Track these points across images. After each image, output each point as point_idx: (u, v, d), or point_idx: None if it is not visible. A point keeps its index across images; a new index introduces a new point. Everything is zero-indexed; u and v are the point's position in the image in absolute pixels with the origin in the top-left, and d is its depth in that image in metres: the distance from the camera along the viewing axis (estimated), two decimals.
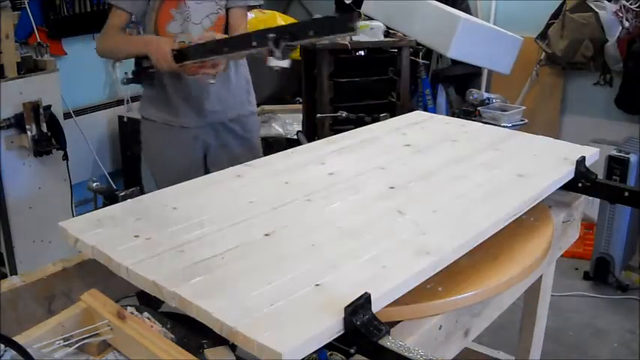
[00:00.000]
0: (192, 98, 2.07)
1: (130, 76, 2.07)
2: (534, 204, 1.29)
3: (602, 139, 3.69)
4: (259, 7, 4.60)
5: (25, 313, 1.13)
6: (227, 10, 2.05)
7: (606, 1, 3.54)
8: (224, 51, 1.74)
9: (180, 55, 1.83)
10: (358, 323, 0.85)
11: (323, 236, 1.10)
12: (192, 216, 1.18)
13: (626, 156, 3.03)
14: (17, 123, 2.68)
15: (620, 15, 3.51)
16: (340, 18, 1.40)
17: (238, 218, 1.18)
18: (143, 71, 1.99)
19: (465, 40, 3.38)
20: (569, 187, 1.46)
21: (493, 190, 1.21)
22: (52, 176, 2.90)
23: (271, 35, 1.49)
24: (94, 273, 1.18)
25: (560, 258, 1.58)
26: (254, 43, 1.59)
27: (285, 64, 1.52)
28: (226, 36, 1.91)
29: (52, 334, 0.97)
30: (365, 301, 0.87)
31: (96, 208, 1.31)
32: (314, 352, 0.84)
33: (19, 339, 0.91)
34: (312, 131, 3.37)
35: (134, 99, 3.77)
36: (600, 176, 1.48)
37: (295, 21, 4.24)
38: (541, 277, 1.61)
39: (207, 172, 2.13)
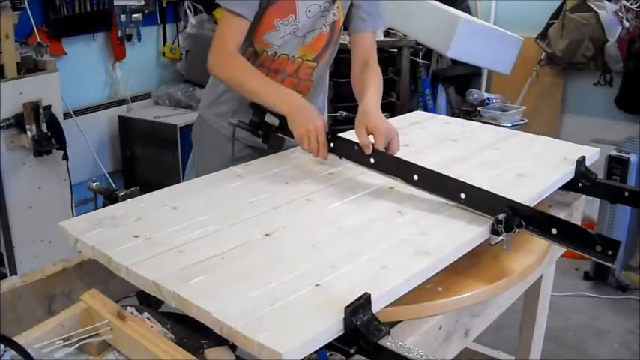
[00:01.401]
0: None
1: (241, 122, 1.65)
2: (534, 204, 1.29)
3: (602, 139, 3.69)
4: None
5: (25, 313, 1.13)
6: (350, 31, 1.82)
7: (606, 1, 3.54)
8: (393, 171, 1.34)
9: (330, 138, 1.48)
10: (358, 323, 0.85)
11: (323, 236, 1.10)
12: (192, 216, 1.18)
13: (626, 156, 3.03)
14: (17, 123, 2.68)
15: (620, 15, 3.51)
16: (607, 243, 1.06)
17: (238, 218, 1.18)
18: (269, 131, 1.59)
19: (465, 40, 3.38)
20: (569, 187, 1.46)
21: (493, 190, 1.21)
22: (52, 176, 2.90)
23: (502, 215, 1.13)
24: (94, 273, 1.18)
25: (560, 258, 1.58)
26: (463, 199, 1.22)
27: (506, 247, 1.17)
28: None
29: (52, 334, 0.97)
30: (365, 301, 0.87)
31: (96, 208, 1.31)
32: (314, 352, 0.84)
33: (19, 339, 0.91)
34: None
35: (134, 99, 3.77)
36: (600, 176, 1.48)
37: None
38: (541, 277, 1.61)
39: None
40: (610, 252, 1.05)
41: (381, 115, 1.58)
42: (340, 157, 1.43)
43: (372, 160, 1.36)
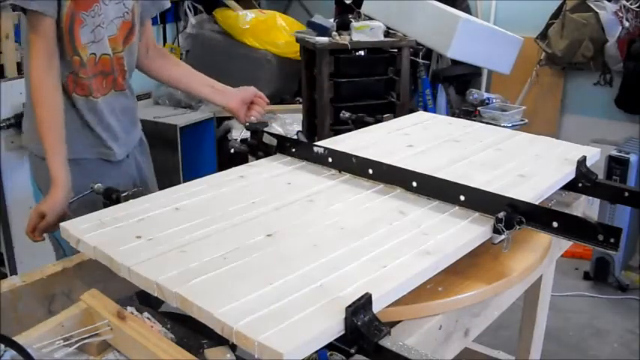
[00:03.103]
0: (119, 120, 1.76)
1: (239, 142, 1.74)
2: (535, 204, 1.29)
3: (602, 139, 3.69)
4: (259, 6, 4.61)
5: (25, 313, 1.13)
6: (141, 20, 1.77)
7: (606, 1, 3.54)
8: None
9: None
10: (359, 323, 0.85)
11: (324, 237, 1.10)
12: (194, 216, 1.18)
13: (626, 156, 3.03)
14: (17, 123, 2.68)
15: (620, 15, 3.51)
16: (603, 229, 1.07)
17: (240, 219, 1.18)
18: (268, 151, 1.59)
19: (465, 40, 3.38)
20: (569, 187, 1.46)
21: (494, 190, 1.21)
22: None
23: (502, 214, 1.13)
24: (94, 273, 1.18)
25: (560, 258, 1.58)
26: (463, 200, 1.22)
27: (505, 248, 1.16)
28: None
29: (52, 334, 0.97)
30: (366, 301, 0.87)
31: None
32: (314, 352, 0.84)
33: (19, 339, 0.91)
34: (312, 131, 3.37)
35: None
36: (600, 176, 1.48)
37: (295, 21, 4.25)
38: (541, 277, 1.61)
39: None
40: (612, 240, 1.06)
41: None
42: (340, 171, 1.43)
43: (370, 171, 1.37)
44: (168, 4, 1.92)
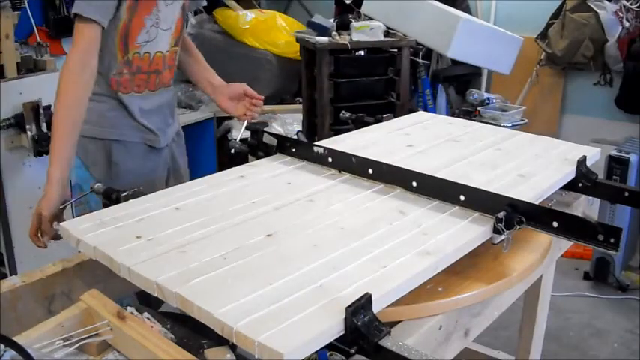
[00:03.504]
0: (161, 113, 1.87)
1: (239, 142, 1.73)
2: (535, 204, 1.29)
3: (602, 139, 3.69)
4: (259, 6, 4.61)
5: (25, 313, 1.13)
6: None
7: (606, 1, 3.54)
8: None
9: None
10: (359, 323, 0.85)
11: (324, 236, 1.10)
12: (194, 216, 1.18)
13: (626, 156, 3.03)
14: (17, 123, 2.68)
15: (620, 15, 3.51)
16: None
17: (240, 219, 1.18)
18: (269, 152, 1.60)
19: (465, 40, 3.38)
20: (569, 187, 1.46)
21: (494, 190, 1.21)
22: None
23: (502, 214, 1.12)
24: (94, 273, 1.18)
25: (560, 258, 1.58)
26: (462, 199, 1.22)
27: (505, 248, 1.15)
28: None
29: (52, 334, 0.97)
30: (366, 301, 0.87)
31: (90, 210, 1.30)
32: (314, 352, 0.84)
33: (19, 339, 0.91)
34: (312, 131, 3.38)
35: None
36: (600, 176, 1.48)
37: (295, 21, 4.25)
38: (541, 277, 1.61)
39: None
40: (612, 239, 1.06)
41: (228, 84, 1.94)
42: (340, 171, 1.43)
43: (370, 171, 1.37)
44: (204, 2, 2.05)
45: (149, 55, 1.74)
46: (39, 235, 1.53)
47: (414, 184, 1.30)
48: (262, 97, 1.91)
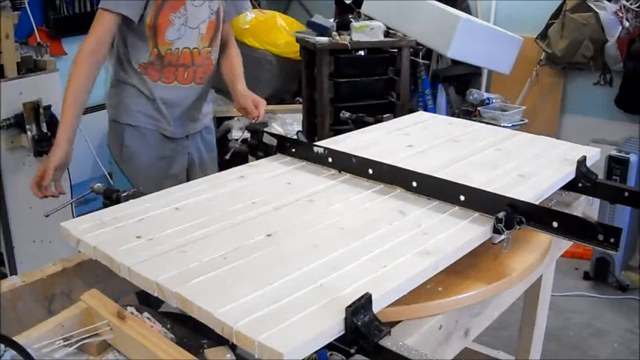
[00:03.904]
0: (184, 106, 2.01)
1: (239, 142, 1.87)
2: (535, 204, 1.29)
3: (602, 139, 3.69)
4: (259, 6, 4.61)
5: (25, 313, 1.13)
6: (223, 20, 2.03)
7: (606, 1, 3.54)
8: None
9: None
10: (359, 323, 0.85)
11: (325, 236, 1.10)
12: (194, 216, 1.18)
13: (626, 156, 3.03)
14: (17, 123, 2.68)
15: (620, 15, 3.51)
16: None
17: (240, 218, 1.18)
18: (269, 152, 1.60)
19: (465, 40, 3.38)
20: (569, 187, 1.46)
21: (494, 190, 1.21)
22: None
23: (502, 214, 1.12)
24: (94, 273, 1.18)
25: (560, 258, 1.58)
26: (463, 199, 1.22)
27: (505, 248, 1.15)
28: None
29: (52, 334, 0.97)
30: (366, 301, 0.87)
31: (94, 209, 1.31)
32: (314, 352, 0.84)
33: (19, 339, 0.91)
34: (312, 131, 3.37)
35: None
36: (600, 176, 1.48)
37: (295, 21, 4.25)
38: (541, 277, 1.61)
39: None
40: (612, 240, 1.06)
41: (250, 92, 2.06)
42: (340, 171, 1.43)
43: (370, 171, 1.37)
44: (248, 4, 2.19)
45: (178, 51, 1.89)
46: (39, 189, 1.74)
47: (414, 184, 1.30)
48: (257, 114, 2.02)
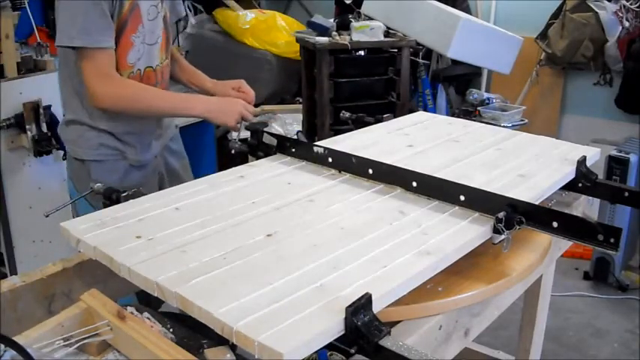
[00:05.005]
0: (148, 128, 1.86)
1: (239, 142, 1.74)
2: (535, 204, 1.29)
3: (602, 139, 3.69)
4: (259, 6, 4.61)
5: (25, 313, 1.13)
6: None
7: (606, 1, 3.54)
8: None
9: None
10: (359, 323, 0.85)
11: (325, 236, 1.10)
12: (194, 216, 1.18)
13: (626, 156, 3.03)
14: (17, 123, 2.68)
15: (620, 15, 3.51)
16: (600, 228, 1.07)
17: (240, 218, 1.18)
18: (268, 152, 1.59)
19: (465, 40, 3.38)
20: (569, 187, 1.46)
21: (494, 190, 1.21)
22: (52, 176, 2.90)
23: (502, 214, 1.12)
24: (94, 273, 1.18)
25: (560, 258, 1.58)
26: (461, 200, 1.21)
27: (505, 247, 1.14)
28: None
29: (52, 334, 0.97)
30: (366, 301, 0.87)
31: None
32: (314, 352, 0.84)
33: (19, 339, 0.91)
34: (312, 131, 3.38)
35: None
36: (600, 176, 1.48)
37: (295, 21, 4.25)
38: (541, 277, 1.61)
39: None
40: (612, 240, 1.06)
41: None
42: (340, 171, 1.43)
43: (370, 171, 1.37)
44: (183, 13, 2.06)
45: (140, 72, 1.75)
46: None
47: (414, 184, 1.30)
48: (253, 94, 1.93)
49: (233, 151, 1.75)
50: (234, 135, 1.75)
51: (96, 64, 1.62)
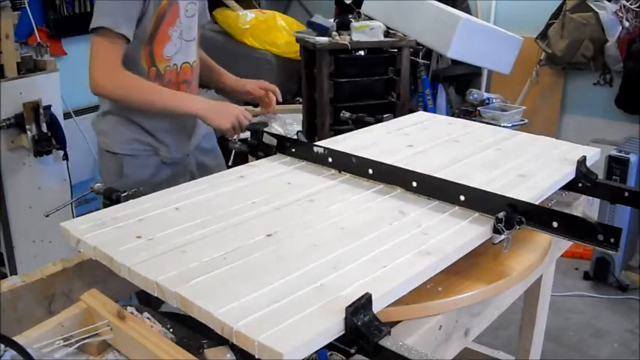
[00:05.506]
0: (182, 126, 1.90)
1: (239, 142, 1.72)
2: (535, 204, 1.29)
3: (602, 139, 3.69)
4: (259, 6, 4.61)
5: (25, 313, 1.13)
6: None
7: (606, 1, 3.54)
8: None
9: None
10: (359, 323, 0.85)
11: (325, 236, 1.10)
12: (195, 216, 1.18)
13: (626, 156, 3.03)
14: (17, 123, 2.68)
15: (620, 15, 3.51)
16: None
17: (240, 218, 1.18)
18: (269, 152, 1.58)
19: (465, 40, 3.38)
20: (569, 187, 1.46)
21: (494, 190, 1.21)
22: (52, 176, 2.90)
23: (502, 214, 1.12)
24: (94, 273, 1.18)
25: (560, 258, 1.58)
26: (462, 200, 1.21)
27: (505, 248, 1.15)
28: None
29: (52, 334, 0.97)
30: (366, 301, 0.87)
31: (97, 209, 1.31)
32: (314, 352, 0.84)
33: (19, 339, 0.91)
34: (312, 131, 3.37)
35: None
36: (600, 176, 1.48)
37: (295, 21, 4.25)
38: (541, 277, 1.61)
39: None
40: (612, 240, 1.06)
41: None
42: (340, 171, 1.43)
43: (370, 171, 1.37)
44: (208, 19, 2.06)
45: (177, 67, 1.80)
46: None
47: (414, 184, 1.30)
48: (278, 90, 1.98)
49: (233, 151, 1.75)
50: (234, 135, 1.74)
51: (106, 50, 1.63)
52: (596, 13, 3.54)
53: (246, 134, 1.70)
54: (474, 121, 2.58)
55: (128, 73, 1.67)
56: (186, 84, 1.84)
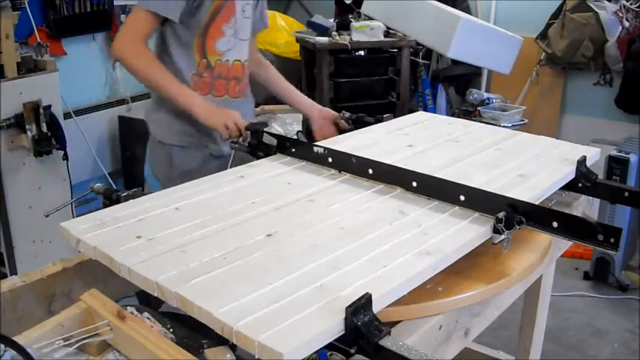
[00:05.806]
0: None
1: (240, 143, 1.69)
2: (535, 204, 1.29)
3: (602, 139, 3.69)
4: None
5: (25, 313, 1.13)
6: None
7: (606, 1, 3.55)
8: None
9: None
10: (359, 323, 0.85)
11: (325, 236, 1.10)
12: (195, 216, 1.18)
13: (626, 156, 3.03)
14: (17, 123, 2.68)
15: (620, 15, 3.51)
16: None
17: (240, 218, 1.18)
18: (269, 152, 1.59)
19: (465, 40, 3.38)
20: (569, 187, 1.46)
21: (494, 190, 1.21)
22: (52, 176, 2.90)
23: (502, 214, 1.12)
24: (94, 273, 1.18)
25: (560, 258, 1.58)
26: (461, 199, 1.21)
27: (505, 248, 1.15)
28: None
29: (52, 334, 0.97)
30: (366, 301, 0.87)
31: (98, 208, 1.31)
32: (314, 352, 0.84)
33: (19, 339, 0.91)
34: (312, 131, 3.37)
35: (134, 99, 3.77)
36: (600, 176, 1.48)
37: (295, 21, 4.25)
38: (541, 277, 1.61)
39: None
40: (612, 240, 1.06)
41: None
42: (340, 171, 1.43)
43: (370, 171, 1.37)
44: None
45: (229, 63, 1.85)
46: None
47: (414, 184, 1.30)
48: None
49: (234, 151, 1.75)
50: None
51: (138, 24, 1.72)
52: (596, 13, 3.54)
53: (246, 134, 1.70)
54: (474, 121, 2.58)
55: (147, 50, 1.73)
56: (237, 80, 1.90)
